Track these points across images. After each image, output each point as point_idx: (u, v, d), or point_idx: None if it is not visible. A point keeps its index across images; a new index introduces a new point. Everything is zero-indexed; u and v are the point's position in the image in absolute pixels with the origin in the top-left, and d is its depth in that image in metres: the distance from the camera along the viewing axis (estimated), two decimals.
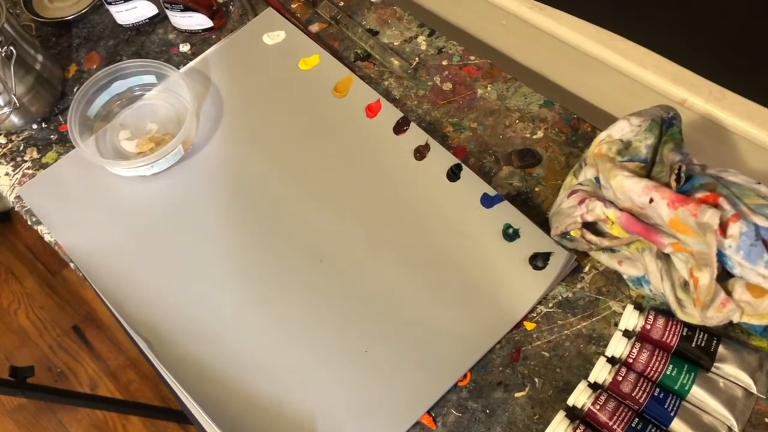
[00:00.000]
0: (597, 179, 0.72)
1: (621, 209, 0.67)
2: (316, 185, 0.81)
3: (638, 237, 0.67)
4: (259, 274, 0.76)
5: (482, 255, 0.74)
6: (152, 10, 0.96)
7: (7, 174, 0.89)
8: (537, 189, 0.80)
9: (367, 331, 0.71)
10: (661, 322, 0.68)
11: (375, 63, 0.92)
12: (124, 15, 0.96)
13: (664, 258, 0.67)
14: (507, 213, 0.76)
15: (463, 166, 0.79)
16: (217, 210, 0.81)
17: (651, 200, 0.63)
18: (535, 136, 0.84)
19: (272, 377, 0.70)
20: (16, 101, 0.86)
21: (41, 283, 1.84)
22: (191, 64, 0.93)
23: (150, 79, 0.89)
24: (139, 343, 0.75)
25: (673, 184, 0.64)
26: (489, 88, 0.88)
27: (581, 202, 0.70)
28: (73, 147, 0.88)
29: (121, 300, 0.76)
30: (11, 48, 0.84)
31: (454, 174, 0.79)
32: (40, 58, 0.90)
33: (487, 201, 0.77)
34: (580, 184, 0.73)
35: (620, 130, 0.71)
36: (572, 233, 0.71)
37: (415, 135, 0.83)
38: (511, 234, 0.75)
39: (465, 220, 0.76)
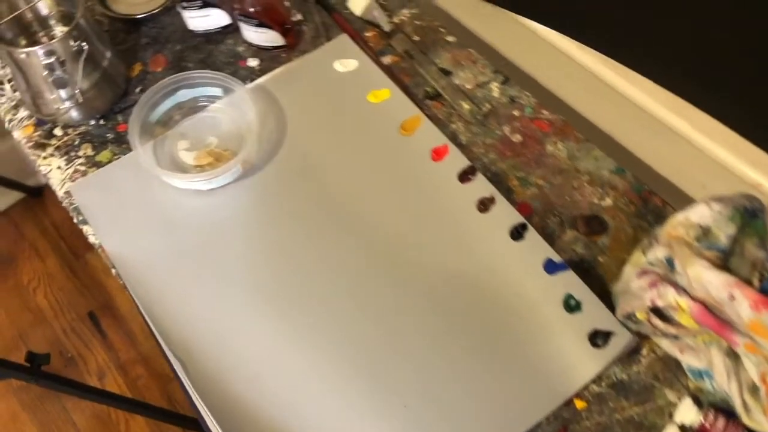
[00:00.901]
0: (669, 261, 0.69)
1: (694, 299, 0.64)
2: (371, 223, 0.79)
3: (708, 330, 0.64)
4: (303, 311, 0.74)
5: (539, 323, 0.71)
6: (225, 20, 0.95)
7: (59, 167, 0.87)
8: (600, 259, 0.78)
9: (409, 385, 0.69)
10: (721, 423, 0.65)
11: (444, 104, 0.90)
12: (197, 21, 0.94)
13: (733, 356, 0.64)
14: (570, 282, 0.73)
15: (529, 226, 0.77)
16: (268, 235, 0.79)
17: (731, 297, 0.60)
18: (603, 203, 0.81)
19: (303, 421, 0.67)
20: (80, 96, 0.85)
21: (63, 265, 1.83)
22: (259, 81, 0.91)
23: (216, 91, 0.87)
24: (172, 362, 0.73)
25: (756, 283, 0.61)
26: (560, 146, 0.86)
27: (652, 285, 0.67)
28: (128, 148, 0.87)
29: (159, 314, 0.74)
30: (83, 44, 0.82)
31: (518, 233, 0.76)
32: (108, 54, 0.88)
33: (551, 267, 0.74)
34: (651, 263, 0.70)
35: (699, 214, 0.68)
36: (638, 315, 0.68)
37: (481, 186, 0.80)
38: (572, 306, 0.72)
39: (525, 284, 0.74)
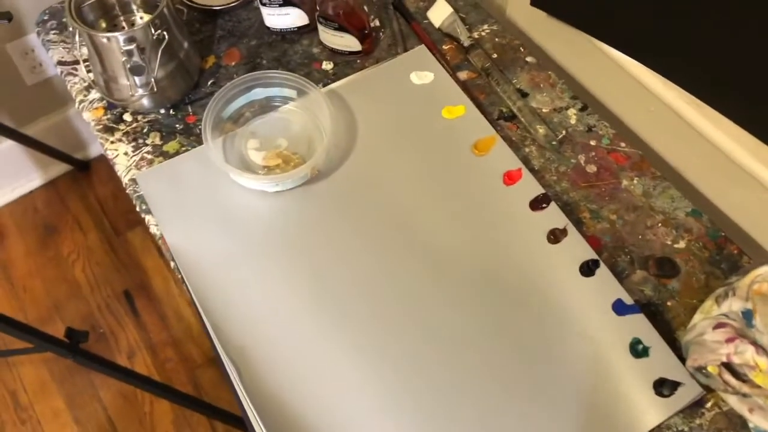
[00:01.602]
0: (746, 315, 0.66)
1: None
2: (436, 243, 0.77)
3: None
4: (360, 324, 0.73)
5: (603, 364, 0.69)
6: (303, 20, 0.94)
7: (126, 153, 0.87)
8: (669, 303, 0.75)
9: (464, 413, 0.67)
10: None
11: (519, 126, 0.88)
12: (275, 19, 0.93)
13: None
14: (639, 326, 0.71)
15: (601, 263, 0.74)
16: (330, 244, 0.78)
17: None
18: (676, 245, 0.79)
19: None
20: (155, 85, 0.84)
21: (104, 240, 1.84)
22: (333, 86, 0.90)
23: (290, 92, 0.87)
24: (227, 366, 0.72)
25: None
26: (635, 181, 0.83)
27: (730, 340, 0.64)
28: (196, 140, 0.86)
29: (216, 314, 0.73)
30: (164, 33, 0.82)
31: (589, 269, 0.74)
32: (185, 45, 0.88)
33: (621, 308, 0.72)
34: (726, 315, 0.68)
35: None
36: (710, 369, 0.66)
37: (554, 216, 0.78)
38: (639, 350, 0.70)
39: (591, 322, 0.72)
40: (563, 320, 0.72)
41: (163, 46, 0.82)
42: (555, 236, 0.77)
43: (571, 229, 0.77)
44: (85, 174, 1.94)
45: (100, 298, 1.78)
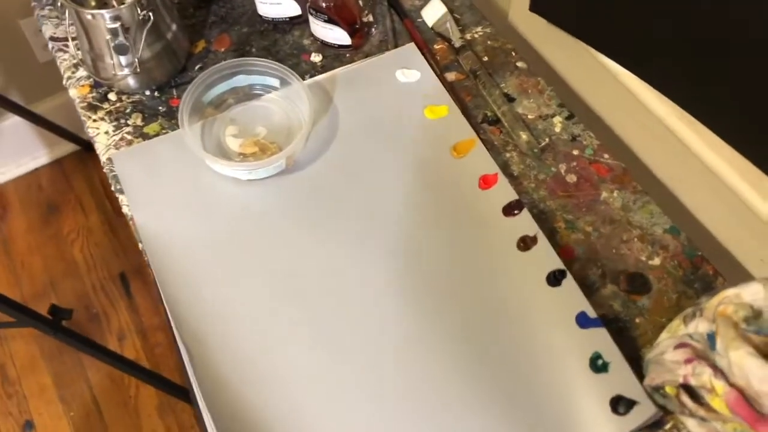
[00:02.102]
0: (711, 337, 0.64)
1: (732, 385, 0.60)
2: (406, 240, 0.76)
3: (741, 420, 0.60)
4: (325, 318, 0.72)
5: (560, 377, 0.68)
6: (295, 11, 0.93)
7: (106, 132, 0.87)
8: (637, 320, 0.73)
9: (409, 418, 0.66)
10: None
11: (502, 131, 0.87)
12: (267, 8, 0.93)
13: None
14: (601, 341, 0.69)
15: (568, 274, 0.73)
16: (300, 236, 0.77)
17: None
18: (651, 262, 0.77)
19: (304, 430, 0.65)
20: (138, 66, 0.84)
21: (104, 222, 1.85)
22: (318, 78, 0.89)
23: (274, 82, 0.86)
24: (180, 348, 0.71)
25: None
26: (615, 194, 0.81)
27: (688, 360, 0.63)
28: (177, 124, 0.86)
29: (177, 298, 0.73)
30: (150, 13, 0.81)
31: (555, 279, 0.72)
32: (173, 27, 0.88)
33: (584, 321, 0.70)
34: (690, 336, 0.66)
35: (753, 293, 0.63)
36: (667, 389, 0.64)
37: (525, 223, 0.77)
38: (599, 366, 0.68)
39: (553, 333, 0.70)
40: (525, 328, 0.71)
41: (148, 27, 0.82)
42: (525, 243, 0.75)
43: (542, 238, 0.76)
44: (91, 154, 1.95)
45: (96, 279, 1.79)
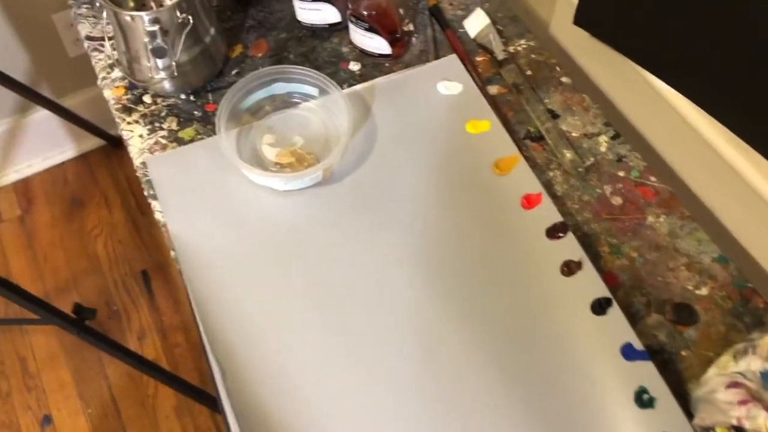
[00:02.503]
0: (765, 376, 0.62)
1: None
2: (444, 258, 0.74)
3: None
4: (359, 336, 0.69)
5: (602, 410, 0.65)
6: (335, 17, 0.91)
7: (141, 136, 0.85)
8: (684, 353, 0.71)
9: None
10: None
11: (545, 148, 0.84)
12: (306, 13, 0.91)
13: None
14: (647, 374, 0.67)
15: (614, 303, 0.70)
16: (336, 250, 0.75)
17: None
18: (698, 292, 0.74)
19: None
20: (175, 70, 0.82)
21: (128, 218, 1.85)
22: (357, 87, 0.87)
23: (312, 90, 0.84)
24: (212, 362, 0.70)
25: None
26: (662, 219, 0.79)
27: (742, 402, 0.60)
28: (213, 129, 0.84)
29: (209, 310, 0.71)
30: (189, 17, 0.80)
31: (600, 307, 0.70)
32: (212, 31, 0.86)
33: (629, 353, 0.67)
34: (742, 374, 0.63)
35: None
36: (718, 430, 0.61)
37: (570, 247, 0.74)
38: (644, 401, 0.65)
39: (596, 363, 0.67)
40: (568, 358, 0.68)
41: (187, 30, 0.81)
42: (569, 268, 0.73)
43: (587, 263, 0.73)
44: (117, 150, 1.95)
45: (118, 276, 1.78)
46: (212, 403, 1.48)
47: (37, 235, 1.82)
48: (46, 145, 1.86)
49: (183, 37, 0.81)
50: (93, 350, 1.66)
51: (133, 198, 1.89)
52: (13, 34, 1.55)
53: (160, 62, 0.82)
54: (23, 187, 1.88)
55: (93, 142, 1.91)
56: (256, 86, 0.83)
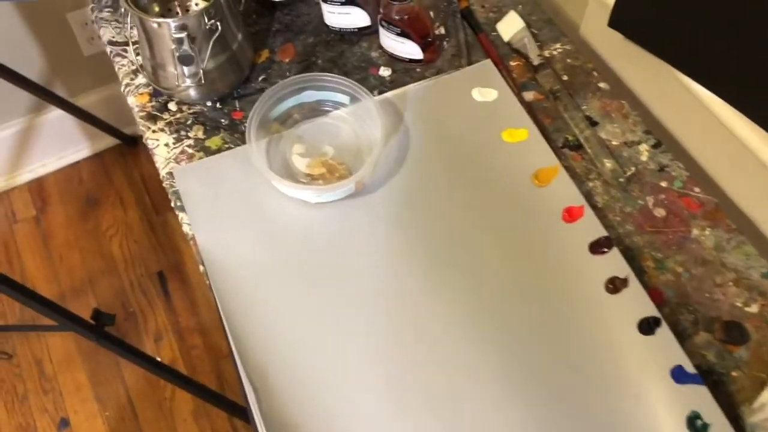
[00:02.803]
0: None
1: None
2: (483, 274, 0.71)
3: None
4: (395, 350, 0.67)
5: None
6: (364, 21, 0.88)
7: (166, 144, 0.83)
8: (734, 374, 0.68)
9: None
10: None
11: (584, 157, 0.81)
12: (335, 17, 0.88)
13: None
14: (700, 399, 0.64)
15: (663, 323, 0.67)
16: (370, 264, 0.72)
17: None
18: (747, 309, 0.71)
19: None
20: (203, 77, 0.80)
21: (143, 218, 1.83)
22: (388, 94, 0.84)
23: (342, 98, 0.81)
24: (244, 385, 0.67)
25: None
26: (707, 232, 0.76)
27: None
28: (240, 138, 0.82)
29: (241, 328, 0.69)
30: (217, 23, 0.77)
31: (649, 327, 0.67)
32: (239, 37, 0.83)
33: (681, 375, 0.65)
34: None
35: None
36: None
37: (615, 263, 0.71)
38: (698, 426, 0.63)
39: (644, 386, 0.65)
40: (615, 379, 0.65)
41: (215, 37, 0.78)
42: (614, 286, 0.70)
43: (633, 280, 0.70)
44: (132, 149, 1.93)
45: (134, 277, 1.77)
46: (230, 407, 1.46)
47: (52, 235, 1.80)
48: (61, 145, 1.84)
49: (211, 43, 0.78)
50: (110, 353, 1.65)
51: (148, 197, 1.87)
52: (27, 32, 1.53)
53: (186, 69, 0.80)
54: (37, 187, 1.87)
55: (107, 141, 1.89)
56: (285, 94, 0.80)
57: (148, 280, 1.76)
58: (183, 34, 0.76)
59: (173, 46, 0.77)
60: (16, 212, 1.83)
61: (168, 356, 1.64)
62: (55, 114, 1.72)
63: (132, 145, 1.90)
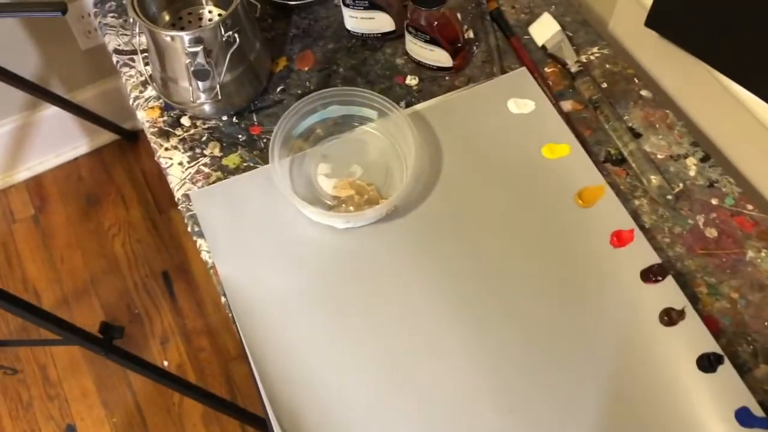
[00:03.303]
0: None
1: None
2: (527, 305, 0.67)
3: None
4: (428, 387, 0.63)
5: None
6: (389, 26, 0.82)
7: (180, 163, 0.77)
8: None
9: None
10: None
11: (629, 173, 0.76)
12: (357, 22, 0.82)
13: None
14: None
15: (726, 359, 0.63)
16: (406, 295, 0.67)
17: None
18: None
19: None
20: (219, 92, 0.74)
21: (146, 217, 1.78)
22: (418, 107, 0.79)
23: (369, 113, 0.76)
24: (270, 416, 0.63)
25: None
26: (763, 254, 0.71)
27: None
28: (260, 156, 0.77)
29: (268, 364, 0.65)
30: (235, 35, 0.71)
31: (709, 364, 0.63)
32: (257, 46, 0.78)
33: (747, 418, 0.60)
34: None
35: None
36: None
37: (670, 292, 0.67)
38: None
39: (707, 428, 0.60)
40: (673, 421, 0.61)
41: (233, 49, 0.72)
42: (670, 318, 0.65)
43: (690, 312, 0.65)
44: (132, 145, 1.87)
45: (138, 277, 1.72)
46: (241, 414, 1.43)
47: (53, 235, 1.75)
48: (58, 141, 1.78)
49: (228, 56, 0.72)
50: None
51: (150, 194, 1.81)
52: (21, 27, 1.46)
53: (201, 85, 0.74)
54: (36, 185, 1.81)
55: (106, 137, 1.83)
56: (308, 111, 0.74)
57: (153, 280, 1.72)
58: (199, 48, 0.70)
59: (187, 61, 0.71)
60: (15, 212, 1.77)
61: (175, 360, 1.60)
62: (52, 110, 1.66)
63: (132, 140, 1.84)
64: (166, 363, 1.59)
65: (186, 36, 0.69)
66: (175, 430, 1.55)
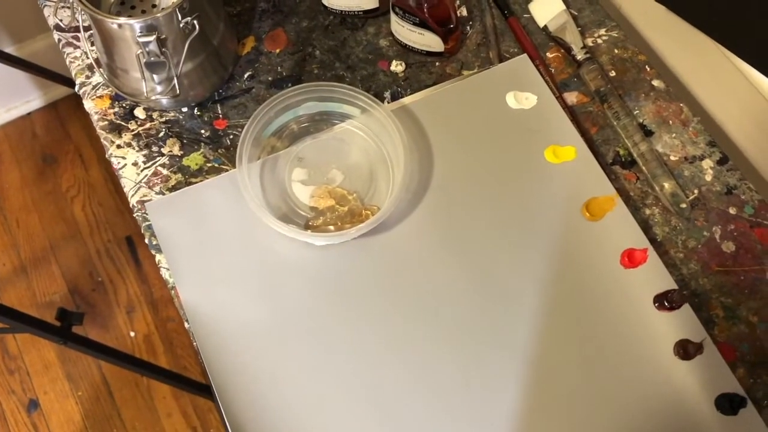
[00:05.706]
0: None
1: None
2: (527, 332, 0.60)
3: None
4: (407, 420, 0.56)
5: None
6: (371, 4, 0.72)
7: (135, 164, 0.68)
8: None
9: None
10: None
11: (639, 177, 0.68)
12: None
13: None
14: None
15: (749, 403, 0.57)
16: (390, 320, 0.60)
17: None
18: None
19: None
20: (177, 87, 0.64)
21: (107, 179, 1.67)
22: (404, 101, 0.69)
23: (350, 110, 0.66)
24: None
25: None
26: None
27: None
28: (225, 155, 0.68)
29: (235, 401, 0.58)
30: (195, 21, 0.61)
31: (730, 406, 0.57)
32: (221, 27, 0.67)
33: None
34: None
35: None
36: None
37: (686, 322, 0.60)
38: None
39: None
40: None
41: (192, 38, 0.62)
42: (685, 351, 0.59)
43: (710, 347, 0.59)
44: None
45: (100, 242, 1.62)
46: (211, 395, 1.37)
47: (7, 197, 1.64)
48: (9, 95, 1.65)
49: (186, 45, 0.62)
50: (78, 327, 1.53)
51: None
52: None
53: (156, 77, 0.64)
54: None
55: (62, 90, 1.70)
56: (281, 109, 0.65)
57: (116, 245, 1.63)
58: (151, 38, 0.59)
59: (138, 51, 0.61)
60: None
61: (142, 330, 1.53)
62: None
63: None
64: (132, 334, 1.52)
65: (136, 24, 0.59)
66: (145, 403, 1.49)
